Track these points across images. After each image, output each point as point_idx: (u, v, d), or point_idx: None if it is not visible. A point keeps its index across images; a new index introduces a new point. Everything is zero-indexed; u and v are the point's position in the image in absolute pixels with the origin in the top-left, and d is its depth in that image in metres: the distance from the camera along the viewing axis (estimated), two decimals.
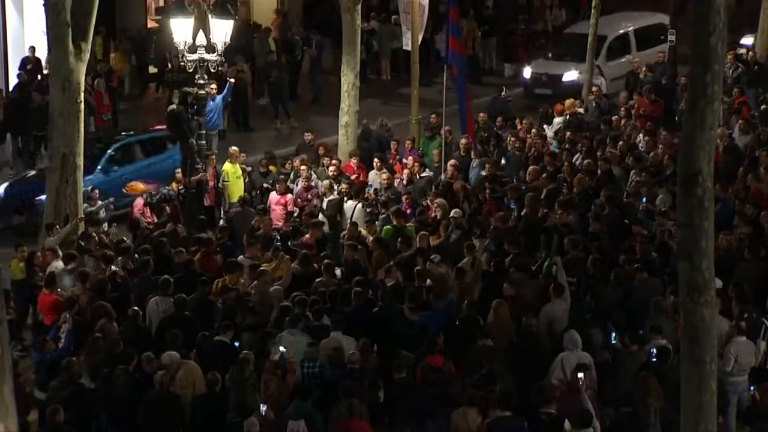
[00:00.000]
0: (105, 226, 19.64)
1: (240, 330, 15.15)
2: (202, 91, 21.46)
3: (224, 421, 13.64)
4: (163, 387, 13.72)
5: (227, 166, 21.33)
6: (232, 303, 15.82)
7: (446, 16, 23.10)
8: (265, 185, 21.25)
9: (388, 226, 18.49)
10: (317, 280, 16.65)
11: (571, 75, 28.13)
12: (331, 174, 21.04)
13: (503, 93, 26.53)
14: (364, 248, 17.74)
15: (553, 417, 12.99)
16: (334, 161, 21.56)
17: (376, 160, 21.87)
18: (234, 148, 21.78)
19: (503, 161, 22.21)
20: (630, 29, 29.83)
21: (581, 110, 25.16)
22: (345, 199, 20.10)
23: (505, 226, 18.15)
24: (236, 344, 14.80)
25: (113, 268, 17.06)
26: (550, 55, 30.35)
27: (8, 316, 16.31)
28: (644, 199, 19.04)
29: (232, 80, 24.50)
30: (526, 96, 29.19)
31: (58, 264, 17.16)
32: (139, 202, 19.92)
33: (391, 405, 13.87)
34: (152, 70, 30.69)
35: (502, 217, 18.48)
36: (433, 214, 19.20)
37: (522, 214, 18.81)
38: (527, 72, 29.01)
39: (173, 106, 23.43)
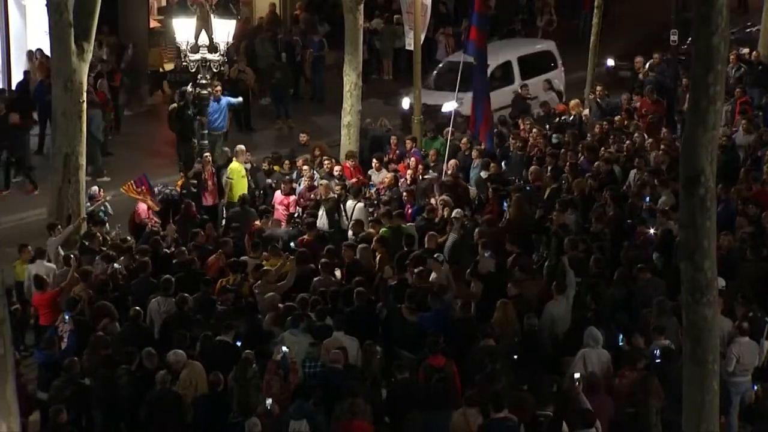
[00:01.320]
0: (107, 226, 19.65)
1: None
2: (204, 91, 21.48)
3: (226, 421, 13.64)
4: (164, 386, 13.72)
5: (233, 165, 21.33)
6: (230, 304, 15.84)
7: (471, 5, 22.95)
8: (268, 181, 21.24)
9: (384, 228, 18.48)
10: (315, 279, 16.65)
11: (450, 105, 24.55)
12: (336, 174, 21.01)
13: (521, 90, 26.48)
14: (368, 247, 17.73)
15: (550, 419, 12.98)
16: (327, 161, 21.57)
17: (375, 160, 21.87)
18: (241, 146, 21.79)
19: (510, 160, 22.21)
20: (513, 57, 27.77)
21: (586, 111, 25.12)
22: (344, 199, 20.12)
23: (492, 228, 18.16)
24: (238, 343, 14.80)
25: (115, 265, 17.07)
26: (431, 85, 27.61)
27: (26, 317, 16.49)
28: (647, 199, 19.03)
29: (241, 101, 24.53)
30: (403, 128, 26.37)
31: (41, 265, 17.18)
32: (143, 206, 19.88)
33: (393, 405, 13.87)
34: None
35: (487, 220, 18.51)
36: (439, 214, 19.21)
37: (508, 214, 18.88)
38: (406, 102, 26.22)
39: (174, 105, 23.45)
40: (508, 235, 17.63)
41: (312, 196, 20.50)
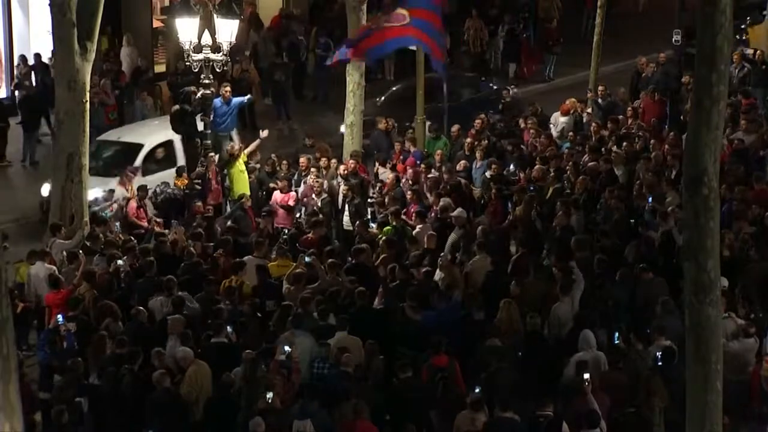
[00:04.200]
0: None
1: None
2: (208, 91, 21.48)
3: (234, 420, 13.63)
4: (165, 387, 13.70)
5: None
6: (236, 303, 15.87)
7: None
8: (271, 185, 21.27)
9: (388, 227, 18.48)
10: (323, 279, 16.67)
11: (94, 193, 20.87)
12: (342, 173, 21.00)
13: (513, 91, 26.44)
14: (369, 247, 17.74)
15: (550, 419, 12.98)
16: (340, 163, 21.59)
17: (378, 162, 21.86)
18: (232, 144, 21.78)
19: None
20: (177, 136, 22.92)
21: (589, 110, 25.09)
22: (350, 198, 20.13)
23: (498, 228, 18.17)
24: (227, 340, 14.80)
25: (119, 262, 17.05)
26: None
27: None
28: (650, 199, 19.03)
29: (251, 96, 24.41)
30: None
31: (41, 266, 17.18)
32: (132, 204, 19.89)
33: (393, 405, 13.86)
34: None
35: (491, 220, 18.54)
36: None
37: (514, 214, 18.86)
38: None
39: (176, 106, 23.44)
40: (516, 234, 17.58)
41: (314, 196, 20.47)
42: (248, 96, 24.21)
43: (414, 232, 18.20)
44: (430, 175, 21.14)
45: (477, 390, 13.47)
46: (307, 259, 16.92)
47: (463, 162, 21.49)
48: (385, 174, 21.32)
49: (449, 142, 23.13)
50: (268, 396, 13.34)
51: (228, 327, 15.02)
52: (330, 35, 31.59)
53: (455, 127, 23.41)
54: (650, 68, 27.14)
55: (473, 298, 15.69)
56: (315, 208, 19.93)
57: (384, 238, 17.97)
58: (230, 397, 13.80)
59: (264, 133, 22.41)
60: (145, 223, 19.60)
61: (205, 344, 14.80)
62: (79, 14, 18.84)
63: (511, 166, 21.63)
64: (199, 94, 21.39)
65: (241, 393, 13.90)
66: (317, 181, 20.37)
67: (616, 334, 14.75)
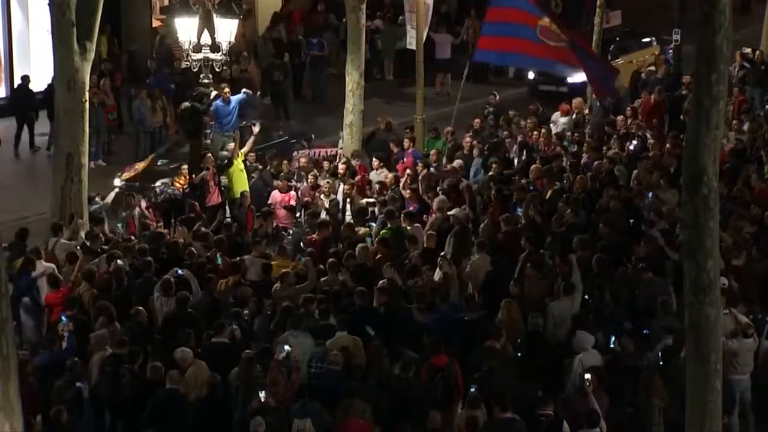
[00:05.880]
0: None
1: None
2: (206, 90, 21.50)
3: (230, 421, 13.61)
4: (173, 386, 13.70)
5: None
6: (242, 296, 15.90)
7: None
8: (275, 183, 21.27)
9: (384, 230, 18.47)
10: (322, 279, 16.65)
11: None
12: (340, 173, 20.99)
13: (497, 97, 26.41)
14: (367, 246, 17.74)
15: (551, 419, 12.98)
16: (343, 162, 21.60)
17: (375, 160, 21.87)
18: (231, 144, 21.84)
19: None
20: None
21: (586, 111, 25.12)
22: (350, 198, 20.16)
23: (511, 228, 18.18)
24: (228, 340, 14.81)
25: (119, 262, 17.07)
26: None
27: None
28: (650, 195, 19.03)
29: (249, 91, 24.35)
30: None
31: (40, 265, 17.10)
32: (142, 204, 19.90)
33: (393, 404, 13.85)
34: None
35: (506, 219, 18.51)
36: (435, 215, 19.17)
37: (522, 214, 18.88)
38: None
39: (186, 104, 23.44)
40: (524, 234, 17.59)
41: (316, 194, 20.46)
42: (246, 91, 24.04)
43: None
44: (425, 173, 21.12)
45: (473, 389, 13.48)
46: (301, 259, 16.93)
47: (459, 161, 21.46)
48: (382, 174, 21.31)
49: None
50: (261, 395, 13.34)
51: (234, 325, 15.03)
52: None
53: (447, 129, 23.44)
54: (650, 69, 27.20)
55: (467, 298, 15.67)
56: (324, 208, 19.90)
57: (379, 238, 17.96)
58: (221, 397, 13.77)
59: (256, 129, 22.35)
60: (155, 224, 19.61)
61: (206, 344, 14.79)
62: (78, 14, 18.83)
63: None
64: (213, 95, 21.43)
65: (237, 392, 13.89)
66: (328, 182, 20.35)
67: (612, 338, 14.70)
